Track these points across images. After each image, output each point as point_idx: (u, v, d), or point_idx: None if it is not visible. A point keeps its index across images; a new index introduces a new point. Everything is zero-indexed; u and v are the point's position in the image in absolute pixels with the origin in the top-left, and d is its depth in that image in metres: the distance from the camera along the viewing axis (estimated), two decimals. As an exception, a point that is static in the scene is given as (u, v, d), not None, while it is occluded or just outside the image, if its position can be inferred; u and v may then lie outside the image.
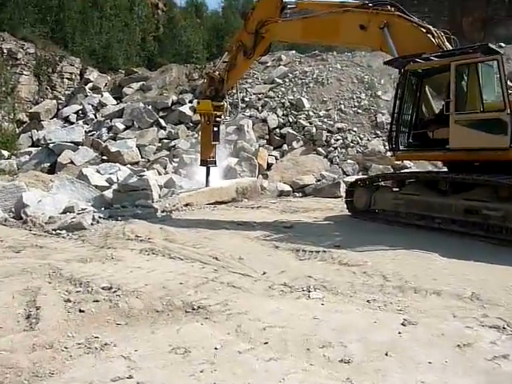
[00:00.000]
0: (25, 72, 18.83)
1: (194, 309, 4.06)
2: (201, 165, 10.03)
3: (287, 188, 11.60)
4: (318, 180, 11.88)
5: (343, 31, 7.87)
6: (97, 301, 4.40)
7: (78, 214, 8.95)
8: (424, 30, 7.21)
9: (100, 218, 8.69)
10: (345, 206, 8.55)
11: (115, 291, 4.66)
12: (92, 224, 8.29)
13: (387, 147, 7.64)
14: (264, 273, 4.99)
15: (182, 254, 5.95)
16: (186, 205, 9.83)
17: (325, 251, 5.66)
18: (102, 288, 4.78)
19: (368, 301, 4.07)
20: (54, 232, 7.94)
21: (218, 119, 9.63)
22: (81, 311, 4.17)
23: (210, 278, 4.92)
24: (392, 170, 11.71)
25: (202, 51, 25.86)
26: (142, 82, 18.48)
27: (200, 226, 7.71)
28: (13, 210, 9.04)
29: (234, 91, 11.45)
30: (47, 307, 4.24)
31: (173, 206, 9.56)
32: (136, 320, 3.94)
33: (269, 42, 9.01)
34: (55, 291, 4.75)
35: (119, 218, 8.62)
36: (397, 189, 7.45)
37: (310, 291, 4.41)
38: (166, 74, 18.34)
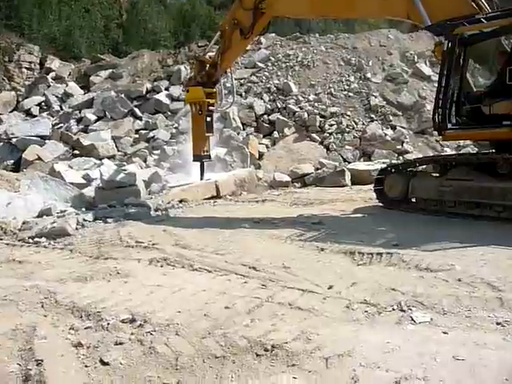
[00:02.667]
0: (-22, 61, 16.66)
1: (266, 350, 2.83)
2: (194, 160, 8.67)
3: (286, 178, 10.49)
4: (318, 168, 10.84)
5: (360, 1, 6.70)
6: (121, 343, 3.08)
7: (58, 217, 7.45)
8: (462, -7, 6.15)
9: (85, 220, 7.26)
10: (367, 195, 7.48)
11: (142, 325, 3.34)
12: (77, 229, 6.88)
13: (433, 125, 6.30)
14: (330, 287, 3.79)
15: (208, 264, 4.66)
16: (181, 201, 8.57)
17: (389, 253, 4.52)
18: (122, 321, 3.45)
19: (499, 323, 2.96)
20: (31, 240, 6.46)
21: (210, 108, 8.34)
22: (103, 363, 2.84)
23: (261, 297, 3.68)
24: (397, 155, 10.78)
25: (169, 39, 24.28)
26: (110, 70, 16.81)
27: (210, 225, 6.46)
28: (-24, 216, 7.40)
29: (228, 75, 10.05)
30: (52, 360, 2.89)
31: (167, 204, 8.27)
32: (191, 375, 2.66)
33: (269, 19, 7.71)
34: (57, 330, 3.38)
35: (108, 220, 7.24)
36: (438, 174, 6.41)
37: (404, 310, 3.26)
38: (137, 61, 16.77)
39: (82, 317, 3.62)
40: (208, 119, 8.34)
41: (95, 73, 16.86)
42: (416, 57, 13.95)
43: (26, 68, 17.77)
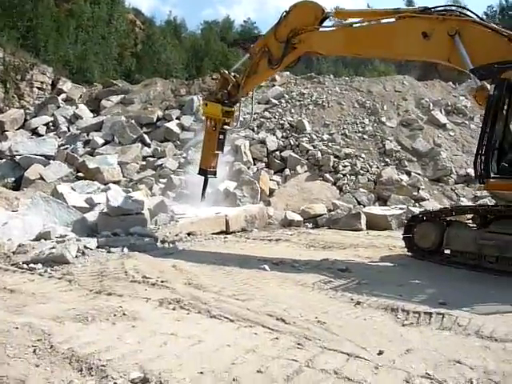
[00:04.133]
0: (-11, 77, 16.33)
1: None
2: (199, 173, 8.36)
3: (297, 217, 9.87)
4: (330, 210, 10.23)
5: (399, 41, 6.32)
6: (132, 414, 2.41)
7: (58, 242, 6.78)
8: (506, 38, 5.79)
9: (86, 248, 6.61)
10: (388, 241, 6.91)
11: (156, 388, 2.67)
12: (77, 256, 6.24)
13: (474, 173, 5.72)
14: (380, 352, 3.14)
15: (228, 311, 4.01)
16: (189, 234, 7.94)
17: (439, 314, 3.89)
18: (132, 381, 2.77)
19: None
20: (25, 266, 5.84)
21: (225, 126, 8.08)
22: None
23: (299, 360, 3.04)
24: (413, 202, 10.26)
25: (181, 70, 24.31)
26: (122, 95, 16.46)
27: (224, 263, 5.87)
28: (-31, 234, 6.77)
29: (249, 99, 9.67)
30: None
31: (175, 236, 7.64)
32: None
33: (300, 54, 7.40)
34: (51, 387, 2.70)
35: (112, 250, 6.61)
36: (477, 225, 5.84)
37: (479, 393, 2.61)
38: (149, 88, 16.42)
39: (81, 370, 2.96)
40: (221, 137, 8.09)
41: (106, 97, 16.51)
42: (431, 104, 13.70)
43: (37, 87, 17.48)
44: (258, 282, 5.01)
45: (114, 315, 4.00)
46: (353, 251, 6.72)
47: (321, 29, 7.02)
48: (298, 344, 3.30)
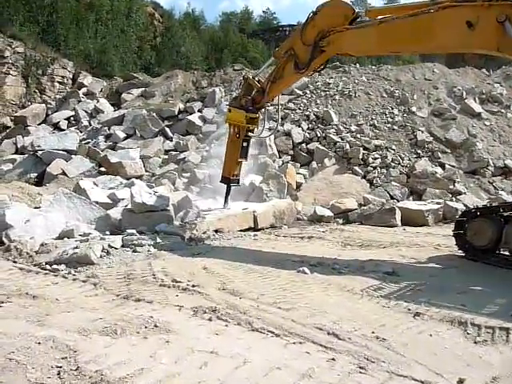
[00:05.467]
0: (12, 72, 16.10)
1: None
2: (221, 181, 8.27)
3: (328, 213, 9.38)
4: (361, 204, 9.72)
5: (441, 32, 5.67)
6: None
7: (81, 241, 6.40)
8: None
9: (111, 247, 6.22)
10: (429, 239, 6.36)
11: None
12: (101, 257, 5.87)
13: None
14: (461, 381, 2.62)
15: (271, 323, 3.54)
16: (216, 231, 7.51)
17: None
18: (173, 416, 2.32)
19: None
20: (48, 267, 5.49)
21: (249, 134, 7.83)
22: None
23: (366, 389, 2.52)
24: (450, 196, 9.64)
25: (201, 63, 23.85)
26: (143, 88, 16.18)
27: (260, 264, 5.40)
28: (-9, 232, 6.48)
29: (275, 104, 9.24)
30: None
31: (202, 233, 7.20)
32: None
33: (329, 57, 6.94)
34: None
35: (137, 249, 6.21)
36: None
37: None
38: (170, 81, 16.08)
39: (113, 400, 2.51)
40: (244, 144, 7.88)
41: (127, 90, 16.25)
42: (464, 93, 12.97)
43: (58, 82, 17.29)
44: (299, 287, 4.54)
45: (145, 327, 3.57)
46: (395, 250, 6.18)
47: (351, 28, 6.44)
48: (360, 368, 2.81)
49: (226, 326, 3.61)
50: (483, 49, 5.90)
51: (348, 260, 5.60)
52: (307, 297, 4.24)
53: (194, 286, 4.64)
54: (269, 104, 8.95)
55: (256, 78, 7.80)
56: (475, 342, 3.27)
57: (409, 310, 3.88)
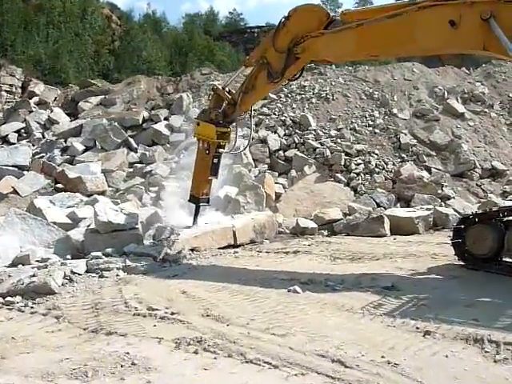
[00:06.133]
0: (-48, 81, 15.51)
1: None
2: (190, 201, 8.23)
3: (311, 224, 9.21)
4: (347, 214, 9.60)
5: (423, 34, 5.70)
6: None
7: (39, 267, 6.09)
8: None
9: (74, 273, 5.93)
10: (422, 249, 6.34)
11: None
12: (63, 285, 5.59)
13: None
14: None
15: (267, 353, 3.35)
16: (192, 249, 7.30)
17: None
18: None
19: None
20: (1, 300, 5.19)
21: (220, 150, 7.76)
22: None
23: (386, 426, 2.33)
24: (439, 201, 9.70)
25: (164, 68, 23.61)
26: (102, 96, 15.80)
27: (245, 285, 5.23)
28: None
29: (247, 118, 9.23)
30: None
31: (177, 253, 6.97)
32: None
33: (304, 64, 6.87)
34: None
35: (105, 274, 5.95)
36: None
37: None
38: (132, 87, 15.72)
39: None
40: (215, 161, 7.82)
41: (84, 99, 15.81)
42: (446, 92, 13.21)
43: (5, 91, 16.83)
44: (292, 308, 4.35)
45: (121, 366, 3.31)
46: (390, 262, 6.09)
47: (326, 33, 6.40)
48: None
49: (215, 358, 3.38)
50: (468, 48, 5.95)
51: (341, 275, 5.47)
52: (303, 319, 4.06)
53: (173, 313, 4.42)
54: (242, 115, 8.77)
55: (226, 89, 7.68)
56: (495, 361, 3.15)
57: (417, 328, 3.75)
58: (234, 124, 7.92)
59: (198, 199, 7.94)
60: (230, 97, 7.47)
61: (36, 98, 16.38)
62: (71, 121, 14.92)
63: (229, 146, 8.19)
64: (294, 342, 3.55)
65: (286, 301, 4.56)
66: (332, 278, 5.37)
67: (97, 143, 13.21)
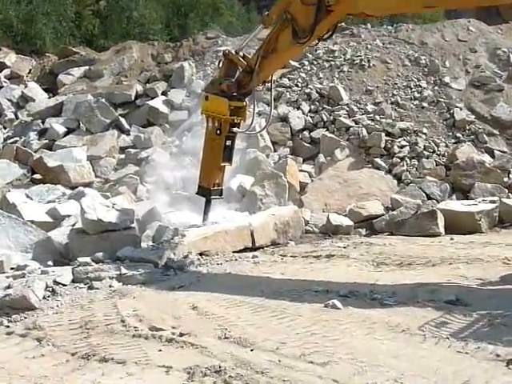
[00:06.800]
0: None
1: None
2: (198, 193, 8.36)
3: (346, 222, 9.24)
4: (389, 208, 9.65)
5: None
6: None
7: (15, 277, 6.23)
8: None
9: (57, 284, 6.03)
10: (487, 251, 6.28)
11: None
12: (45, 298, 5.67)
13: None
14: None
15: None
16: (201, 254, 7.35)
17: None
18: None
19: None
20: None
21: (234, 129, 7.83)
22: None
23: None
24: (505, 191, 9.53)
25: (160, 31, 23.51)
26: (86, 67, 15.77)
27: (272, 297, 5.18)
28: None
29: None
30: None
31: (184, 258, 7.00)
32: None
33: (338, 18, 6.86)
34: None
35: (95, 285, 6.02)
36: None
37: None
38: (123, 56, 15.65)
39: None
40: (228, 143, 7.89)
41: (65, 71, 15.79)
42: (511, 56, 12.93)
43: (-31, 63, 16.78)
44: (332, 329, 4.23)
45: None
46: (449, 269, 5.97)
47: None
48: None
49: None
50: None
51: (390, 286, 5.38)
52: (347, 343, 3.93)
53: (182, 334, 4.37)
54: (260, 87, 8.79)
55: (240, 54, 7.67)
56: None
57: (497, 356, 3.58)
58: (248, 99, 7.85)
59: (208, 191, 7.99)
60: (245, 63, 7.47)
61: (7, 71, 16.33)
62: (49, 97, 14.97)
63: (244, 125, 8.20)
64: (339, 374, 3.40)
65: (323, 319, 4.45)
66: (379, 289, 5.27)
67: (81, 124, 13.27)
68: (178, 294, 5.52)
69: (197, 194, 8.34)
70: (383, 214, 9.44)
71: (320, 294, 5.20)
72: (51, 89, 15.58)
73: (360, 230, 9.25)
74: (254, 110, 8.04)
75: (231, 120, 7.61)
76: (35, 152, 12.38)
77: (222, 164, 7.96)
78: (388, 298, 4.97)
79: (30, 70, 16.67)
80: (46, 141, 13.00)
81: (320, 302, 4.90)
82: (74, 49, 17.09)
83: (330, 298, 4.93)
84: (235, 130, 7.77)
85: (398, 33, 14.24)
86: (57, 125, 13.27)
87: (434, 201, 9.57)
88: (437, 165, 10.58)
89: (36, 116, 13.98)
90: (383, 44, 13.84)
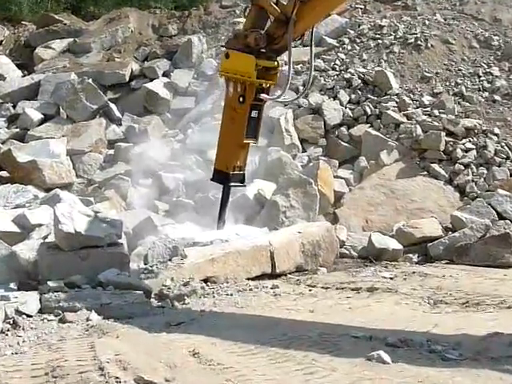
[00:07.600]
0: None
1: None
2: (213, 179, 8.68)
3: (393, 244, 9.37)
4: (449, 229, 9.80)
5: None
6: None
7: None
8: None
9: (20, 314, 6.24)
10: None
11: None
12: (3, 332, 5.80)
13: None
14: None
15: None
16: (206, 280, 7.51)
17: None
18: None
19: None
20: None
21: (262, 95, 7.98)
22: None
23: None
24: None
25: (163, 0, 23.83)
26: (71, 40, 16.08)
27: (295, 344, 5.03)
28: None
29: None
30: None
31: (183, 285, 7.09)
32: None
33: None
34: None
35: (68, 318, 6.11)
36: None
37: None
38: (116, 26, 15.98)
39: None
40: (253, 114, 8.08)
41: (44, 43, 16.13)
42: None
43: None
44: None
45: None
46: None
47: None
48: None
49: None
50: None
51: (453, 334, 5.19)
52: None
53: None
54: (296, 42, 9.03)
55: (273, 1, 7.82)
56: None
57: None
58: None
59: (226, 176, 8.18)
60: (278, 10, 7.57)
61: (-27, 43, 16.89)
62: (24, 76, 15.23)
63: (274, 92, 8.61)
64: None
65: (366, 376, 4.22)
66: (438, 337, 5.08)
67: (61, 110, 13.51)
68: (175, 334, 5.50)
69: (212, 180, 8.60)
70: (441, 237, 9.62)
71: (360, 341, 5.08)
72: (26, 65, 15.93)
73: (411, 255, 9.43)
74: (289, 70, 8.04)
75: (258, 84, 7.77)
76: (2, 143, 12.61)
77: (246, 141, 8.14)
78: (451, 350, 4.78)
79: (1, 41, 17.07)
80: (17, 130, 13.27)
81: (361, 353, 4.72)
82: (56, 16, 17.43)
83: (373, 348, 4.74)
84: (263, 96, 7.89)
85: (464, 6, 14.51)
86: (31, 110, 13.50)
87: (508, 221, 9.64)
88: (511, 175, 10.67)
89: (6, 98, 14.23)
90: (445, 20, 14.07)
